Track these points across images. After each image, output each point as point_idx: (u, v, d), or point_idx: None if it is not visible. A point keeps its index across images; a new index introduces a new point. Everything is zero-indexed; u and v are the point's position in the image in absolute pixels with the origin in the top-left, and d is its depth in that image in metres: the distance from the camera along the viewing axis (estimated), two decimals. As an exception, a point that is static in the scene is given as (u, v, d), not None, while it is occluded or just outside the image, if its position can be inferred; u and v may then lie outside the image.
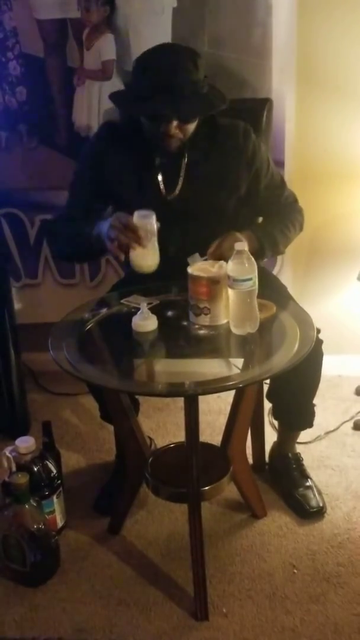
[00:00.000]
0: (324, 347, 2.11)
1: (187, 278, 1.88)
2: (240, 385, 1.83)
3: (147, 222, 1.89)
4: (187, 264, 1.91)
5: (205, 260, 1.93)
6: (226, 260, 1.87)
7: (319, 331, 2.07)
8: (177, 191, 2.10)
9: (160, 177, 2.10)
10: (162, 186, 2.10)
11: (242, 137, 2.12)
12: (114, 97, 2.10)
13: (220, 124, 2.11)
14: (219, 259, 1.90)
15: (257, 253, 2.01)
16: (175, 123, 1.96)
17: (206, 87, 1.98)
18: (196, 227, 2.05)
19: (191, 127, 2.01)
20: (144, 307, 1.89)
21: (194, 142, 2.06)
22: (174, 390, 1.85)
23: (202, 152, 2.09)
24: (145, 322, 1.88)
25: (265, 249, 2.07)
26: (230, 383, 1.75)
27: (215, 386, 1.75)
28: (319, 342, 2.09)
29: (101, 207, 2.17)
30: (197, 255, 1.93)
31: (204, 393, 1.83)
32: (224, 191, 2.12)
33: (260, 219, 2.26)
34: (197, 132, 2.05)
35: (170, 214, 2.03)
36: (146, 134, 2.04)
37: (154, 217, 1.90)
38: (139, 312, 1.89)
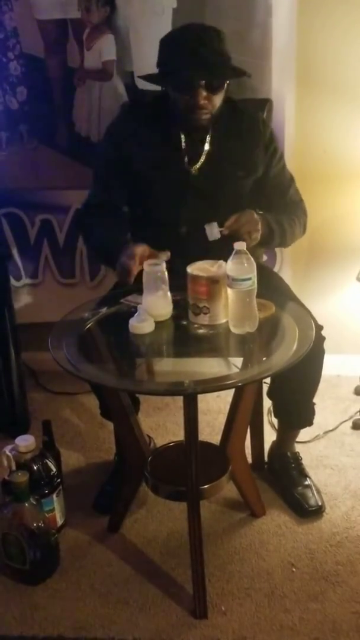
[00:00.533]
0: (324, 345, 2.12)
1: (196, 256, 1.92)
2: (239, 384, 1.85)
3: (157, 269, 1.90)
4: (197, 245, 1.95)
5: (221, 232, 1.95)
6: (241, 235, 1.92)
7: (321, 328, 2.08)
8: (198, 165, 2.14)
9: (184, 154, 2.14)
10: (185, 161, 2.14)
11: (261, 123, 2.22)
12: (144, 77, 2.16)
13: (242, 111, 2.19)
14: (235, 233, 1.93)
15: (266, 239, 2.04)
16: (204, 93, 2.01)
17: (231, 59, 2.04)
18: (210, 208, 2.08)
19: (218, 98, 2.05)
20: (140, 308, 1.89)
21: (217, 122, 2.11)
22: (173, 388, 1.85)
23: (224, 131, 2.15)
24: (142, 324, 1.89)
25: (275, 236, 2.10)
26: (229, 382, 1.76)
27: (214, 385, 1.77)
28: (321, 340, 2.10)
29: (122, 191, 2.20)
30: (215, 224, 1.95)
31: (203, 392, 1.84)
32: (243, 171, 2.17)
33: None
34: (220, 114, 2.10)
35: (188, 190, 2.09)
36: (175, 109, 2.08)
37: (164, 265, 1.91)
38: (135, 315, 1.89)
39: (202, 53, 1.97)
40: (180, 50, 2.00)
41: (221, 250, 1.91)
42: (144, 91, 2.49)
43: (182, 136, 2.14)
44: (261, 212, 2.07)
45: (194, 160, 2.15)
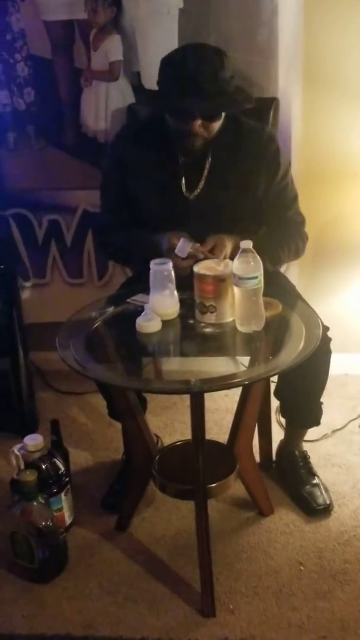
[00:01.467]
0: (331, 345, 2.12)
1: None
2: (246, 383, 1.85)
3: (164, 268, 1.90)
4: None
5: (189, 253, 1.94)
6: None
7: (327, 329, 2.08)
8: (198, 190, 2.11)
9: (183, 176, 2.12)
10: (184, 186, 2.12)
11: (265, 140, 2.15)
12: (143, 97, 2.13)
13: (245, 126, 2.13)
14: (203, 257, 1.93)
15: None
16: (199, 121, 1.98)
17: (232, 86, 1.99)
18: (211, 228, 2.04)
19: (215, 125, 2.02)
20: (147, 307, 1.90)
21: (218, 143, 2.07)
22: (179, 387, 1.85)
23: (226, 153, 2.10)
24: (149, 323, 1.89)
25: None
26: (236, 380, 1.76)
27: (221, 384, 1.77)
28: (328, 340, 2.10)
29: (128, 210, 2.20)
30: (189, 244, 1.94)
31: (210, 390, 1.84)
32: (243, 193, 2.13)
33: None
34: (221, 133, 2.06)
35: (188, 214, 2.04)
36: (170, 133, 2.06)
37: (170, 264, 1.91)
38: (142, 314, 1.90)
39: (199, 81, 1.91)
40: (177, 76, 1.94)
41: None
42: (147, 93, 2.49)
43: (181, 160, 2.11)
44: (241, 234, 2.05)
45: (192, 185, 2.12)
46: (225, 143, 2.08)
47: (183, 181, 2.12)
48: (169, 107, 2.00)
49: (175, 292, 1.93)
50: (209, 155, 2.10)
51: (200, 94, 1.92)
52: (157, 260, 1.91)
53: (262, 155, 2.13)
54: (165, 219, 2.11)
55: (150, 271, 1.91)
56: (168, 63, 2.00)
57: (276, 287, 2.04)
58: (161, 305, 1.92)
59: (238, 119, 2.12)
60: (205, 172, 2.11)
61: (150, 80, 2.55)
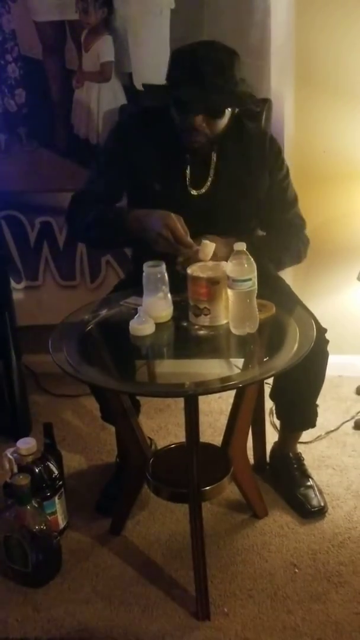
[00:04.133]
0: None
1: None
2: (240, 386, 1.84)
3: (157, 271, 1.89)
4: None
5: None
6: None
7: (325, 331, 2.08)
8: (204, 190, 2.10)
9: (188, 174, 2.10)
10: (188, 182, 2.10)
11: (268, 143, 2.15)
12: (147, 86, 2.12)
13: (248, 128, 2.13)
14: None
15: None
16: (201, 117, 1.96)
17: (239, 87, 1.97)
18: (209, 226, 2.02)
19: (218, 123, 2.00)
20: (141, 310, 1.89)
21: (223, 144, 2.07)
22: (173, 390, 1.85)
23: (230, 154, 2.10)
24: (142, 325, 1.88)
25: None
26: (230, 383, 1.75)
27: (214, 386, 1.76)
28: (325, 343, 2.09)
29: (122, 188, 2.17)
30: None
31: (204, 393, 1.83)
32: (247, 194, 2.13)
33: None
34: (225, 134, 2.05)
35: (190, 212, 2.00)
36: (174, 126, 2.04)
37: (163, 266, 1.90)
38: (136, 316, 1.89)
39: (206, 75, 1.89)
40: (185, 67, 1.92)
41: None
42: (146, 94, 2.48)
43: (187, 156, 2.09)
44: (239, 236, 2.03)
45: (197, 182, 2.10)
46: (230, 145, 2.08)
47: (188, 177, 2.10)
48: (174, 97, 1.96)
49: (169, 295, 1.93)
50: (214, 156, 2.09)
51: (204, 88, 1.90)
52: (150, 263, 1.90)
53: (265, 157, 2.14)
54: (165, 209, 2.03)
55: (144, 274, 1.91)
56: (178, 54, 1.98)
57: (273, 290, 2.03)
58: (154, 307, 1.91)
59: (241, 121, 2.12)
60: (212, 171, 2.10)
61: (142, 81, 2.55)
